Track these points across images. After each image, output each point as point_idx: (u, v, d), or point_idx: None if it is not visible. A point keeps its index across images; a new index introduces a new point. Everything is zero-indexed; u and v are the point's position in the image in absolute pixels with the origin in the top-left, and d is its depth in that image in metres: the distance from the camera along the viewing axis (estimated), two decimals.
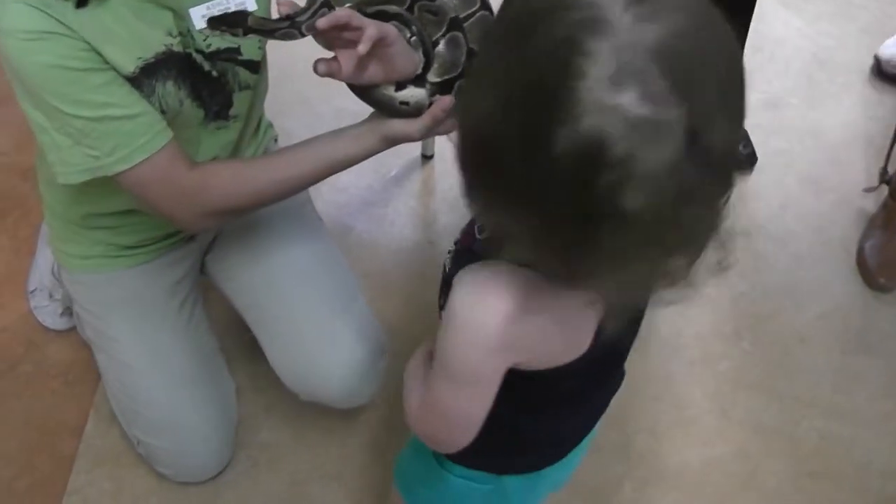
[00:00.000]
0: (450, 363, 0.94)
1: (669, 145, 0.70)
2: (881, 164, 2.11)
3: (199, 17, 1.31)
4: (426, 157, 2.24)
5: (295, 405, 1.72)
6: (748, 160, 2.20)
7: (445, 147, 2.16)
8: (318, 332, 1.59)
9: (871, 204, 2.14)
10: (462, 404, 0.97)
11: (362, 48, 1.14)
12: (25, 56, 1.20)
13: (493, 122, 0.75)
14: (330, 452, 1.76)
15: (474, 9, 1.31)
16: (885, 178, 2.08)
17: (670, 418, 1.85)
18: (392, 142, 1.30)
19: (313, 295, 1.62)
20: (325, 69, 1.19)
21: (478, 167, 0.80)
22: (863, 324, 1.99)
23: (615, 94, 0.68)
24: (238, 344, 1.80)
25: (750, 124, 2.21)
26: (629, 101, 0.68)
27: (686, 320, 1.98)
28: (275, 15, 1.21)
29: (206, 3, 1.31)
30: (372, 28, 1.15)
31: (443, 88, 1.25)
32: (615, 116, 0.68)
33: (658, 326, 1.97)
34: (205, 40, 1.34)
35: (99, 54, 1.23)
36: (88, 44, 1.21)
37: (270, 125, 1.73)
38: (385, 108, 1.28)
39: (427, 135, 1.27)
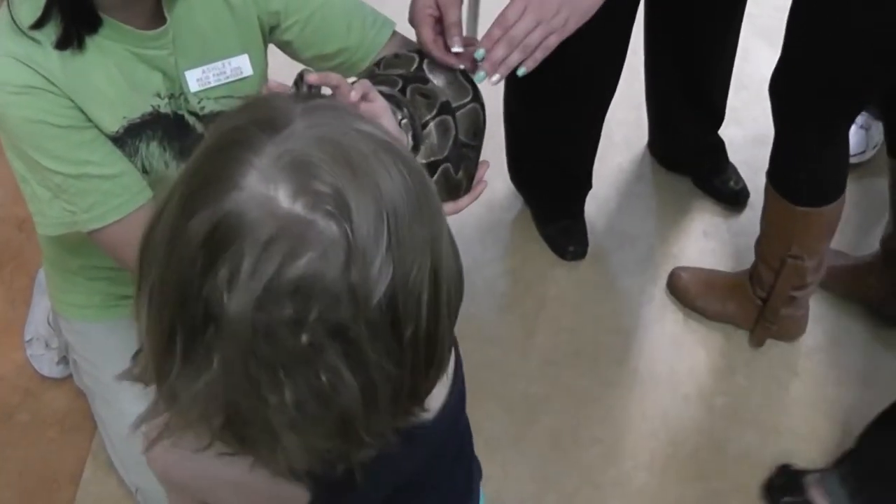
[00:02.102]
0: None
1: (314, 256, 0.64)
2: None
3: (194, 80, 1.33)
4: None
5: None
6: (740, 196, 2.23)
7: None
8: None
9: None
10: None
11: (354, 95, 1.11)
12: (9, 109, 1.21)
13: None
14: None
15: (466, 100, 1.28)
16: None
17: (667, 455, 1.85)
18: None
19: None
20: None
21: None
22: (856, 356, 2.00)
23: (268, 186, 0.65)
24: None
25: (738, 161, 2.26)
26: (281, 194, 0.65)
27: (680, 357, 1.99)
28: None
29: (202, 67, 1.33)
30: (356, 89, 1.12)
31: (427, 171, 1.21)
32: (262, 205, 0.64)
33: (652, 363, 1.98)
34: (199, 102, 1.36)
35: (83, 112, 1.24)
36: (73, 101, 1.22)
37: None
38: None
39: None
